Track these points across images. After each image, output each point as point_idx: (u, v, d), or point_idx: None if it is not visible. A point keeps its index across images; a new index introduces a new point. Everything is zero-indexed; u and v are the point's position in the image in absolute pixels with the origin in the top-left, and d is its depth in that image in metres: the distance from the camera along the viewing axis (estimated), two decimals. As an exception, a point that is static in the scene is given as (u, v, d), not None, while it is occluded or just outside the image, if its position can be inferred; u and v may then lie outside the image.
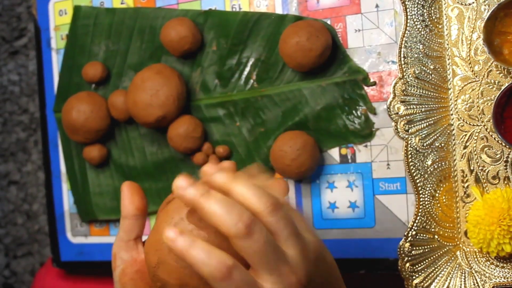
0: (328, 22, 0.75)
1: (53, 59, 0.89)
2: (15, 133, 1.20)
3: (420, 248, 0.69)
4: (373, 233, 0.74)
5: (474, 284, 0.67)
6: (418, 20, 0.69)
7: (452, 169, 0.69)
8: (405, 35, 0.69)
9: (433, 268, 0.69)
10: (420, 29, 0.69)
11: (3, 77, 1.19)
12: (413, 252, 0.69)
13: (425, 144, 0.69)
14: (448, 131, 0.69)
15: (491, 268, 0.67)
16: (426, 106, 0.69)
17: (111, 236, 0.86)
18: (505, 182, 0.67)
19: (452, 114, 0.69)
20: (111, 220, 0.86)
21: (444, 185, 0.69)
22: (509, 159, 0.67)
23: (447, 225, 0.69)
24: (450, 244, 0.69)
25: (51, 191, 0.89)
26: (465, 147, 0.68)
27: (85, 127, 0.80)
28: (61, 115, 0.84)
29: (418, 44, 0.69)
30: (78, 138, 0.82)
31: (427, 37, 0.69)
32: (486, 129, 0.68)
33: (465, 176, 0.69)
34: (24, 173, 1.20)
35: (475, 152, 0.68)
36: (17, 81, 1.22)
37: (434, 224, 0.69)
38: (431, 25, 0.69)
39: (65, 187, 0.88)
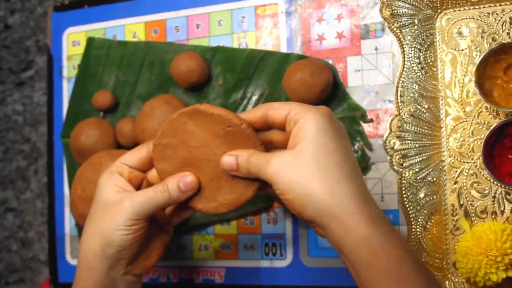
0: (330, 62, 0.80)
1: (63, 87, 0.93)
2: (16, 161, 1.22)
3: (411, 277, 0.72)
4: (366, 263, 0.77)
5: (461, 313, 0.70)
6: (414, 62, 0.74)
7: (443, 202, 0.73)
8: (402, 75, 0.74)
9: (423, 297, 0.72)
10: (416, 71, 0.74)
11: (8, 107, 1.22)
12: (404, 280, 0.72)
13: (418, 178, 0.73)
14: (440, 167, 0.73)
15: (478, 298, 0.70)
16: (420, 142, 0.73)
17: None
18: (493, 216, 0.71)
19: (444, 151, 0.73)
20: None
21: (435, 218, 0.73)
22: (497, 194, 0.71)
23: (437, 255, 0.72)
24: (440, 274, 0.72)
25: (53, 214, 0.91)
26: (455, 183, 0.73)
27: (92, 151, 0.84)
28: (70, 139, 0.87)
29: (414, 85, 0.74)
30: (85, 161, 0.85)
31: (423, 79, 0.74)
32: (476, 166, 0.72)
33: (455, 209, 0.73)
34: (22, 201, 1.21)
35: (465, 188, 0.72)
36: (21, 111, 1.25)
37: (425, 254, 0.72)
38: (426, 68, 0.74)
39: (67, 210, 0.91)
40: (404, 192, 0.73)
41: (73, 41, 0.93)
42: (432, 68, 0.74)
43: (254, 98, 0.83)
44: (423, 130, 0.73)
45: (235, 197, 0.60)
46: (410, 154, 0.73)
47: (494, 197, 0.71)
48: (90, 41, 0.91)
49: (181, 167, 0.60)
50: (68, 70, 0.93)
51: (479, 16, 0.72)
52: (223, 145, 0.59)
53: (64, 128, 0.92)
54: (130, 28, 0.90)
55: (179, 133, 0.60)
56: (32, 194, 1.23)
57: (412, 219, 0.73)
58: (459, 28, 0.73)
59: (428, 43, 0.74)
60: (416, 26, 0.74)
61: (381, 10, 0.75)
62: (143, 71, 0.88)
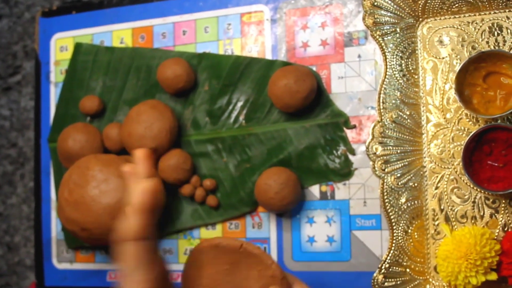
0: (314, 68, 0.81)
1: (51, 92, 0.94)
2: (2, 166, 1.22)
3: (392, 280, 0.73)
4: (349, 266, 0.78)
5: (441, 316, 0.72)
6: (396, 70, 0.76)
7: (424, 207, 0.74)
8: (384, 83, 0.76)
9: (404, 300, 0.73)
10: (398, 78, 0.75)
11: (-6, 111, 1.22)
12: (386, 284, 0.73)
13: (399, 183, 0.74)
14: (421, 172, 0.75)
15: (458, 300, 0.71)
16: (402, 148, 0.75)
17: (96, 263, 0.89)
18: (472, 221, 0.72)
19: (425, 157, 0.75)
20: (97, 247, 0.89)
21: (416, 222, 0.74)
22: (476, 200, 0.72)
23: (418, 259, 0.74)
24: (421, 278, 0.74)
25: (40, 218, 0.92)
26: (436, 188, 0.74)
27: (79, 155, 0.84)
28: (57, 143, 0.88)
29: (396, 92, 0.75)
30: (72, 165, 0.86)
31: (404, 86, 0.75)
32: (456, 172, 0.73)
33: (436, 214, 0.74)
34: (8, 206, 1.22)
35: (446, 193, 0.74)
36: (8, 116, 1.25)
37: (406, 258, 0.74)
38: (408, 75, 0.76)
39: (54, 214, 0.92)
40: (386, 197, 0.74)
41: (61, 47, 0.94)
42: (414, 76, 0.76)
43: (239, 104, 0.84)
44: (405, 136, 0.75)
45: None
46: (392, 160, 0.75)
47: (473, 202, 0.73)
48: (78, 46, 0.92)
49: None
50: (56, 75, 0.94)
51: (459, 25, 0.74)
52: None
53: (51, 132, 0.92)
54: (118, 34, 0.91)
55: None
56: (18, 199, 1.24)
57: (394, 224, 0.74)
58: (440, 36, 0.75)
59: (410, 51, 0.76)
60: (398, 35, 0.76)
61: (364, 19, 0.76)
62: (130, 76, 0.89)
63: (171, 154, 0.82)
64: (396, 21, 0.76)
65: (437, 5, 0.74)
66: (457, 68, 0.72)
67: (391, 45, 0.76)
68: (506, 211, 0.71)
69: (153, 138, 0.81)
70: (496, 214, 0.72)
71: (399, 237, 0.74)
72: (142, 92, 0.89)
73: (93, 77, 0.91)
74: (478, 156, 0.71)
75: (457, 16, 0.74)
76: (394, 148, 0.75)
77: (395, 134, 0.75)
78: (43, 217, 0.92)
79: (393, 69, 0.76)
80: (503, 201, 0.71)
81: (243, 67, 0.84)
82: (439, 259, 0.71)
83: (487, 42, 0.73)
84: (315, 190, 0.80)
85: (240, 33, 0.85)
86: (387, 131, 0.75)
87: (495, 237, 0.71)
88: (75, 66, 0.92)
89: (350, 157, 0.79)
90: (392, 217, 0.74)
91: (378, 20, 0.76)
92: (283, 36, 0.83)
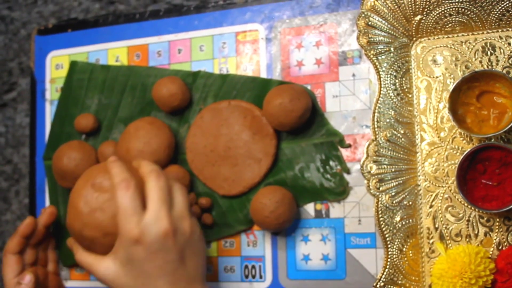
0: (309, 87, 0.82)
1: (46, 110, 0.94)
2: (-3, 183, 1.22)
3: (387, 299, 0.73)
4: (344, 285, 0.78)
5: (437, 335, 0.71)
6: (390, 89, 0.76)
7: (418, 226, 0.75)
8: (379, 101, 0.76)
9: (399, 319, 0.73)
10: (392, 97, 0.76)
11: (-11, 128, 1.22)
12: (381, 302, 0.73)
13: (394, 202, 0.75)
14: (416, 191, 0.75)
15: (453, 319, 0.71)
16: (396, 167, 0.75)
17: (91, 281, 0.88)
18: (467, 240, 0.73)
19: (419, 176, 0.75)
20: (91, 266, 0.89)
21: (411, 241, 0.74)
22: (471, 218, 0.73)
23: (413, 278, 0.74)
24: (416, 296, 0.74)
25: (35, 236, 0.92)
26: (431, 206, 0.74)
27: (74, 173, 0.84)
28: (52, 161, 0.88)
29: (390, 111, 0.76)
30: (67, 183, 0.86)
31: (399, 105, 0.76)
32: (450, 190, 0.74)
33: (430, 233, 0.74)
34: (3, 222, 1.21)
35: (440, 211, 0.74)
36: (3, 133, 1.25)
37: (401, 276, 0.74)
38: (402, 94, 0.76)
39: (49, 232, 0.91)
40: (380, 215, 0.75)
41: (56, 64, 0.94)
42: (408, 95, 0.76)
43: (235, 122, 0.84)
44: (399, 155, 0.75)
45: None
46: (387, 178, 0.75)
47: (468, 220, 0.73)
48: (73, 64, 0.92)
49: None
50: (51, 93, 0.94)
51: (453, 44, 0.75)
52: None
53: (46, 150, 0.92)
54: (113, 52, 0.91)
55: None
56: (12, 216, 1.23)
57: (388, 242, 0.74)
58: (434, 56, 0.76)
59: (404, 70, 0.76)
60: (392, 54, 0.76)
61: (358, 38, 0.77)
62: (125, 94, 0.90)
63: (170, 170, 0.82)
64: (390, 40, 0.76)
65: (430, 25, 0.75)
66: (451, 87, 0.73)
67: (385, 64, 0.76)
68: (500, 229, 0.72)
69: (152, 154, 0.81)
70: (490, 233, 0.72)
71: (394, 256, 0.74)
72: (137, 110, 0.89)
73: (88, 95, 0.91)
74: (472, 174, 0.72)
75: (450, 35, 0.75)
76: (388, 166, 0.75)
77: (389, 152, 0.75)
78: (38, 235, 0.92)
79: (387, 88, 0.76)
80: (497, 220, 0.72)
81: (238, 85, 0.84)
82: (434, 277, 0.71)
83: (480, 62, 0.74)
84: (310, 208, 0.80)
85: (235, 51, 0.85)
86: (381, 150, 0.75)
87: (490, 256, 0.71)
88: (71, 84, 0.92)
89: (345, 175, 0.79)
90: (387, 235, 0.74)
91: (372, 39, 0.76)
92: (278, 55, 0.83)
